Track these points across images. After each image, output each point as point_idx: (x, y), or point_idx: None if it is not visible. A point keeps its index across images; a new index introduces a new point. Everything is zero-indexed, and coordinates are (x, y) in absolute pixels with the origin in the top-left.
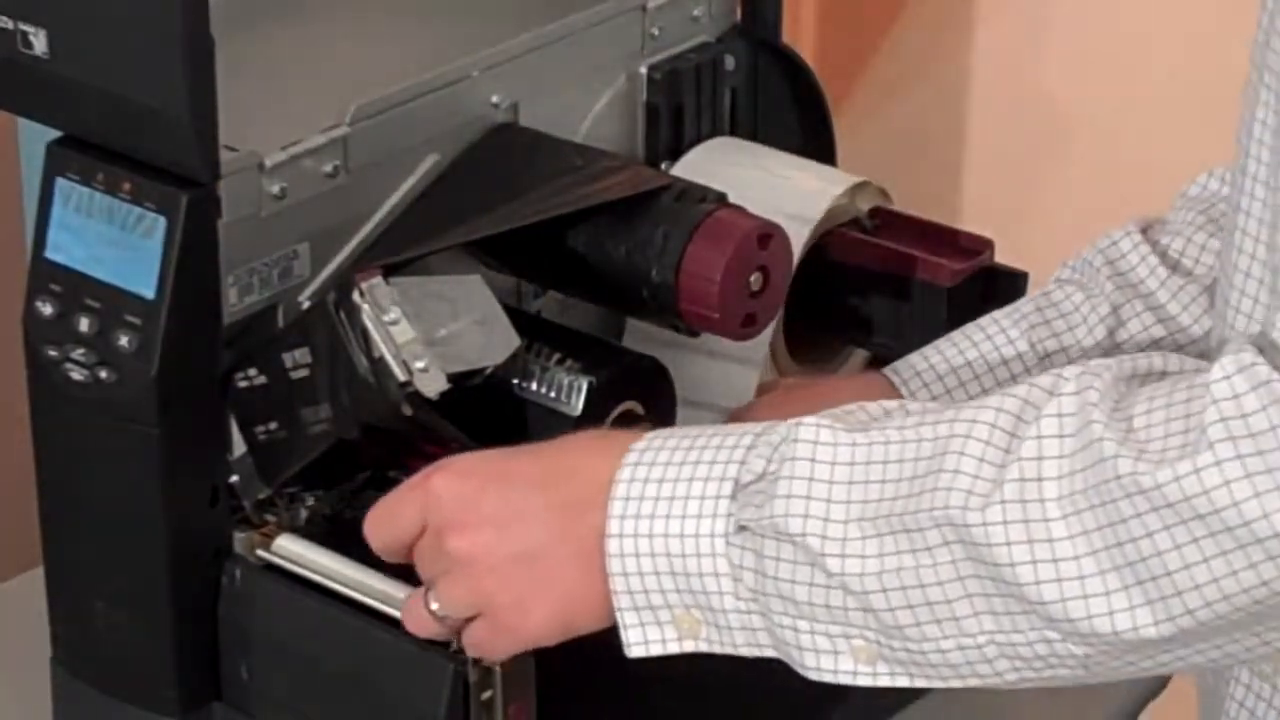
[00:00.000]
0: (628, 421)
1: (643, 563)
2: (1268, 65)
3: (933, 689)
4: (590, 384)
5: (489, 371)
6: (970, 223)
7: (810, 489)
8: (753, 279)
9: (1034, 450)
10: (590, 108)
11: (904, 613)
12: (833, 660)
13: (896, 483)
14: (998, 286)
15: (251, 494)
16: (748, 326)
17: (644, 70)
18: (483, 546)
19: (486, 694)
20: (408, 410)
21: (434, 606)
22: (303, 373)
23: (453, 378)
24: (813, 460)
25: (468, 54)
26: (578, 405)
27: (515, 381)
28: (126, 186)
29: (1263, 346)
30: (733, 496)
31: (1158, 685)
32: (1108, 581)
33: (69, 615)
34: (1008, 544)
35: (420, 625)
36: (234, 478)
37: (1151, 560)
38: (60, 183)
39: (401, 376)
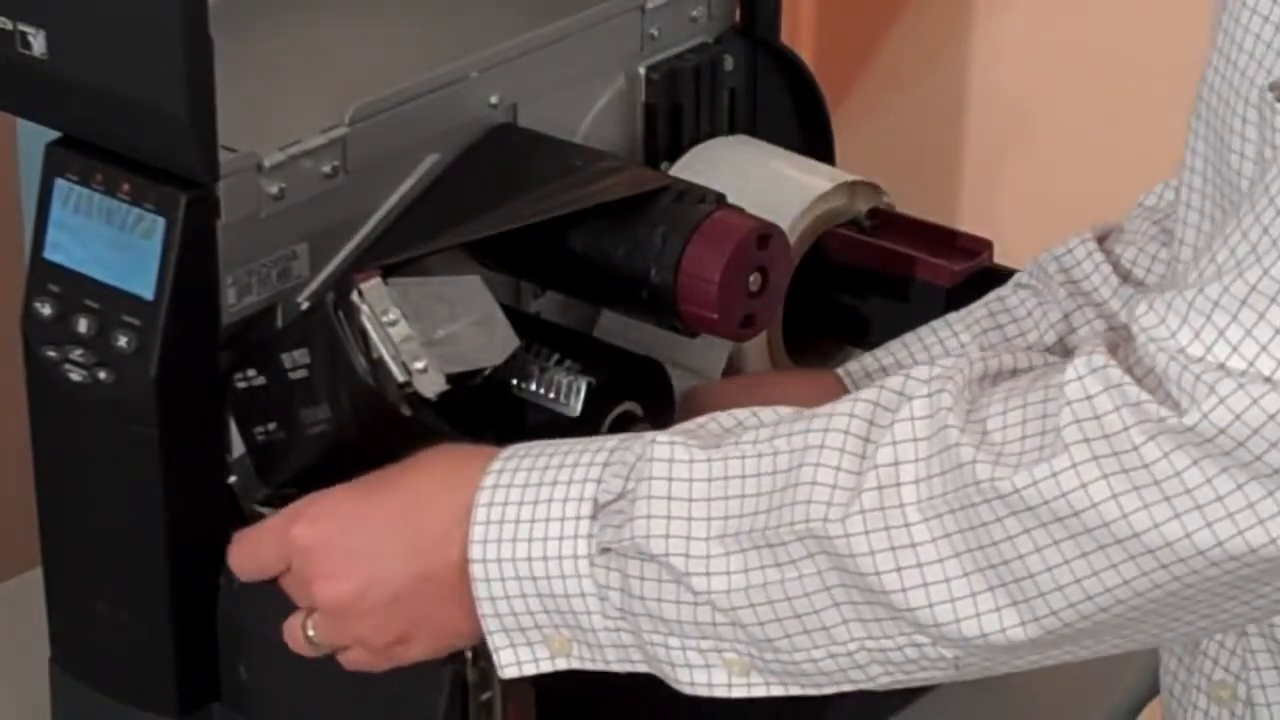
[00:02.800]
0: (627, 422)
1: (508, 586)
2: (1199, 94)
3: (933, 688)
4: (589, 384)
5: (488, 372)
6: (969, 223)
7: (670, 508)
8: (752, 280)
9: (890, 456)
10: (589, 108)
11: (773, 626)
12: (706, 674)
13: (755, 497)
14: (997, 287)
15: (250, 495)
16: (747, 327)
17: (643, 71)
18: (350, 596)
19: (486, 695)
20: (406, 411)
21: (310, 634)
22: (301, 373)
23: (452, 378)
24: (669, 479)
25: (467, 54)
26: (576, 406)
27: (514, 382)
28: (125, 187)
29: (1118, 342)
30: (593, 517)
31: (1156, 685)
32: (973, 584)
33: (68, 615)
34: (871, 553)
35: (299, 647)
36: (233, 478)
37: (1014, 563)
38: (59, 183)
39: (400, 377)
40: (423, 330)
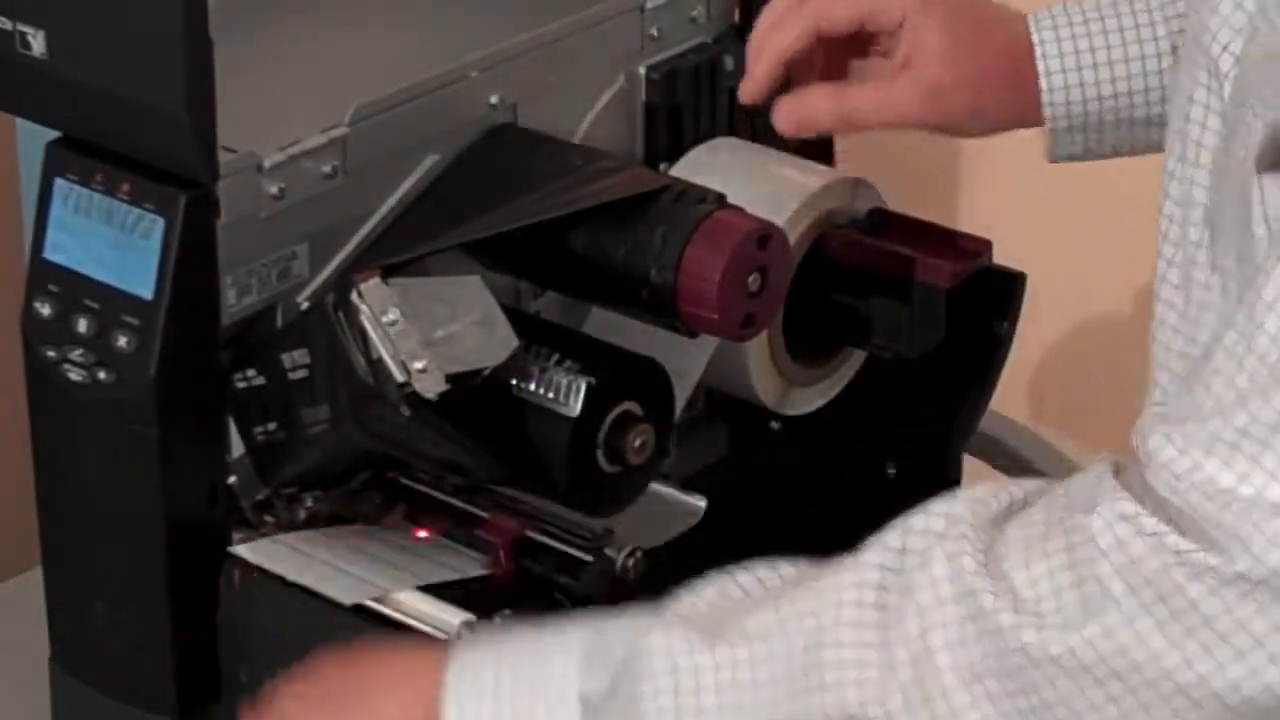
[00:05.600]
0: (627, 421)
1: None
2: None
3: None
4: (589, 385)
5: (487, 372)
6: (969, 223)
7: (678, 706)
8: (751, 280)
9: (917, 626)
10: (589, 108)
11: None
12: None
13: (773, 687)
14: (996, 287)
15: (250, 495)
16: (747, 327)
17: (643, 71)
18: None
19: None
20: (406, 411)
21: None
22: (301, 373)
23: (451, 378)
24: (675, 673)
25: (467, 54)
26: (576, 406)
27: (514, 382)
28: (125, 187)
29: (1123, 466)
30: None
31: None
32: None
33: (68, 615)
34: None
35: None
36: (232, 478)
37: None
38: (59, 183)
39: (400, 377)
40: (423, 330)
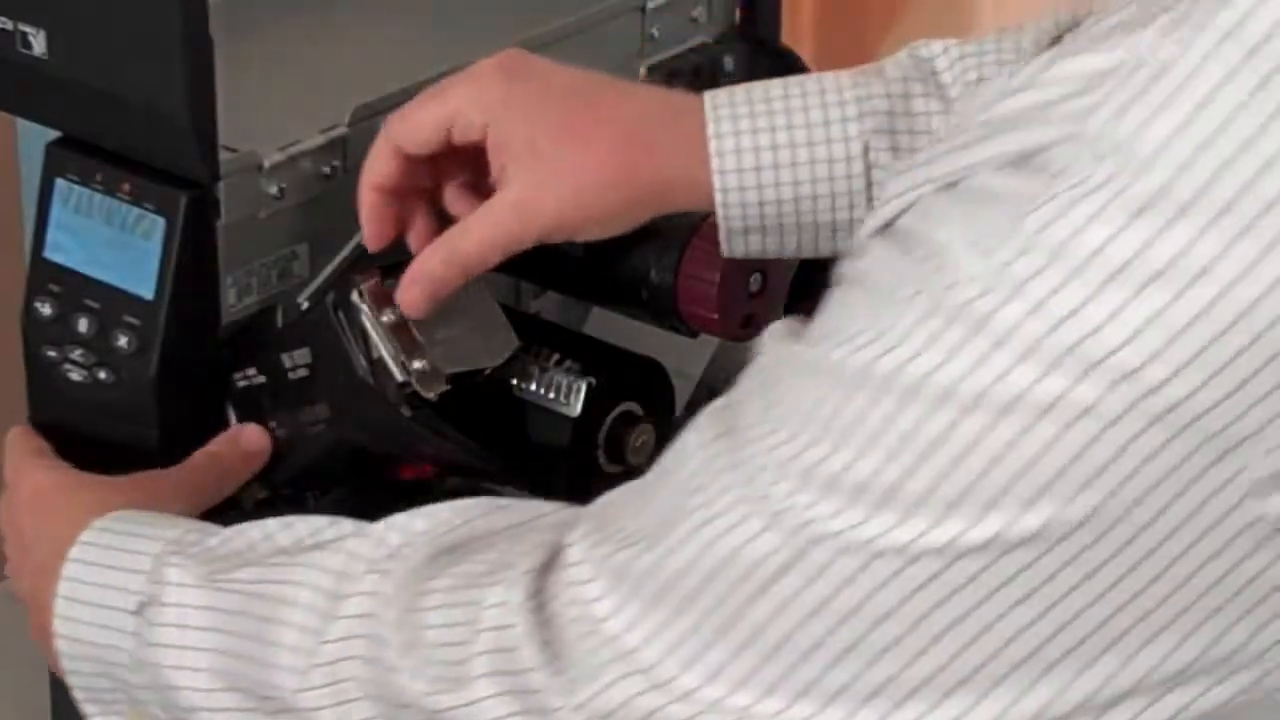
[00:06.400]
0: (627, 422)
1: (83, 665)
2: None
3: None
4: (589, 385)
5: (488, 373)
6: None
7: (182, 636)
8: (752, 280)
9: (343, 631)
10: None
11: None
12: None
13: (240, 638)
14: None
15: (250, 496)
16: (747, 327)
17: (643, 71)
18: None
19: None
20: (407, 411)
21: None
22: (301, 373)
23: (452, 379)
24: (180, 607)
25: (467, 54)
26: (576, 406)
27: (514, 382)
28: (125, 187)
29: (558, 550)
30: (138, 613)
31: None
32: None
33: None
34: None
35: None
36: None
37: None
38: (59, 183)
39: (400, 377)
40: (423, 330)
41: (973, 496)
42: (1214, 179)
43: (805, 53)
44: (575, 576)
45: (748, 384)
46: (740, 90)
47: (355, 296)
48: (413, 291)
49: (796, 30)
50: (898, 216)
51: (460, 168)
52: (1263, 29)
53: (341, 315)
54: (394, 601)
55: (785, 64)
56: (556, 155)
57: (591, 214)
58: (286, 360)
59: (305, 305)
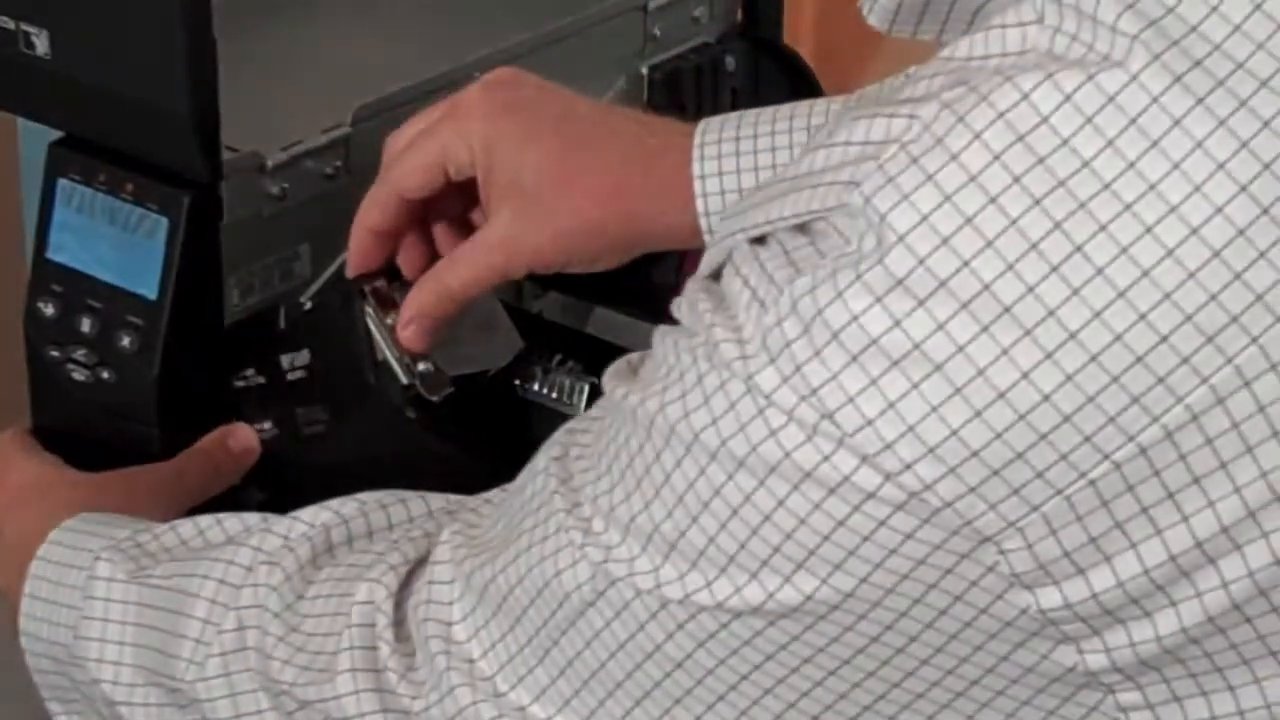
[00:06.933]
0: None
1: (44, 663)
2: None
3: None
4: (593, 385)
5: (492, 374)
6: None
7: (104, 631)
8: None
9: (235, 622)
10: None
11: None
12: None
13: (153, 631)
14: None
15: (251, 497)
16: None
17: (644, 70)
18: None
19: None
20: (410, 414)
21: None
22: (300, 374)
23: (456, 380)
24: (107, 600)
25: (469, 54)
26: (580, 406)
27: (517, 383)
28: (128, 187)
29: (425, 555)
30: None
31: None
32: None
33: None
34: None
35: None
36: None
37: None
38: (62, 183)
39: (405, 380)
40: None
41: (743, 558)
42: (965, 266)
43: (806, 52)
44: (436, 576)
45: (593, 412)
46: (731, 121)
47: (360, 298)
48: (410, 329)
49: (798, 30)
50: (723, 264)
51: (452, 196)
52: (1036, 116)
53: (345, 316)
54: (280, 592)
55: (787, 64)
56: (539, 198)
57: (573, 256)
58: (285, 361)
59: (308, 305)
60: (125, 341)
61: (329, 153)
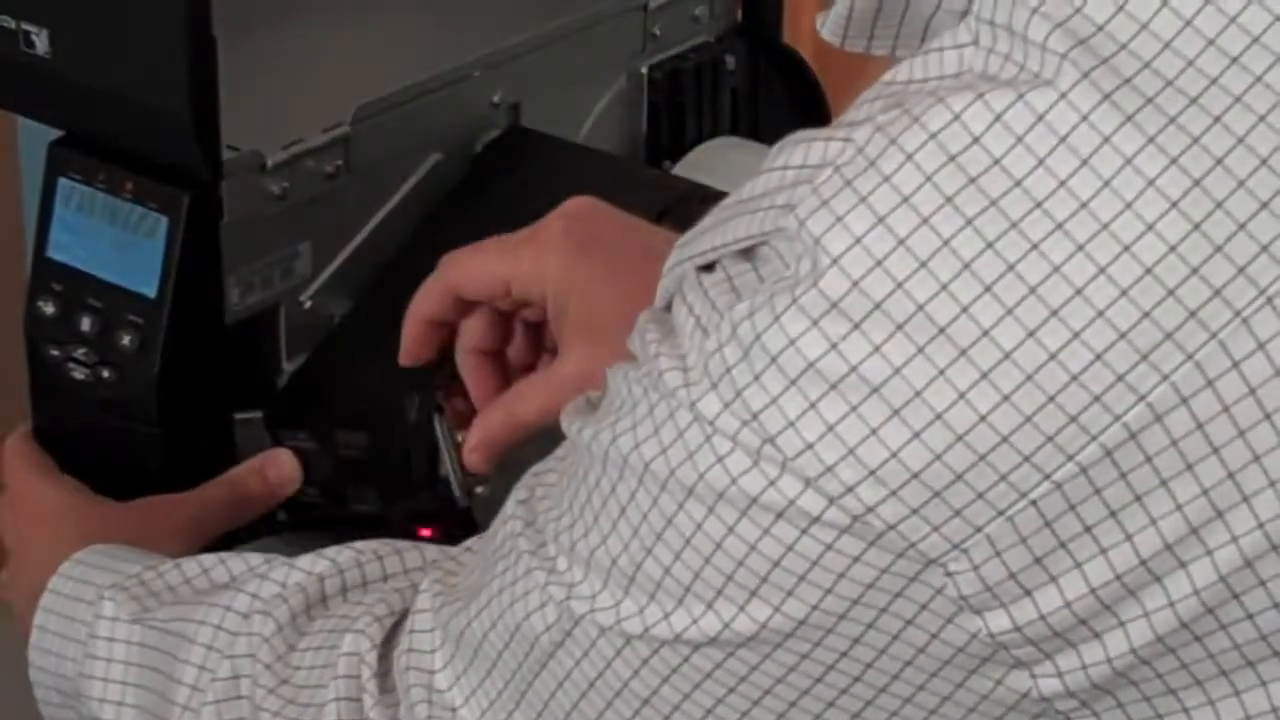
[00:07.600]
0: None
1: (49, 694)
2: None
3: None
4: None
5: None
6: None
7: (108, 670)
8: None
9: (230, 670)
10: (591, 107)
11: None
12: None
13: (153, 673)
14: None
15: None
16: None
17: (645, 70)
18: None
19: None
20: (464, 502)
21: None
22: (353, 453)
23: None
24: (110, 640)
25: (469, 53)
26: None
27: None
28: (128, 186)
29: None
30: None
31: None
32: None
33: None
34: None
35: None
36: None
37: None
38: (62, 182)
39: (462, 503)
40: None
41: (698, 587)
42: (899, 287)
43: (806, 52)
44: (417, 625)
45: (558, 452)
46: None
47: (436, 410)
48: (477, 456)
49: (798, 30)
50: (674, 295)
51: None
52: (967, 136)
53: (415, 421)
54: (272, 644)
55: (787, 63)
56: (614, 337)
57: None
58: (340, 436)
59: (308, 305)
60: (125, 340)
61: (329, 152)
